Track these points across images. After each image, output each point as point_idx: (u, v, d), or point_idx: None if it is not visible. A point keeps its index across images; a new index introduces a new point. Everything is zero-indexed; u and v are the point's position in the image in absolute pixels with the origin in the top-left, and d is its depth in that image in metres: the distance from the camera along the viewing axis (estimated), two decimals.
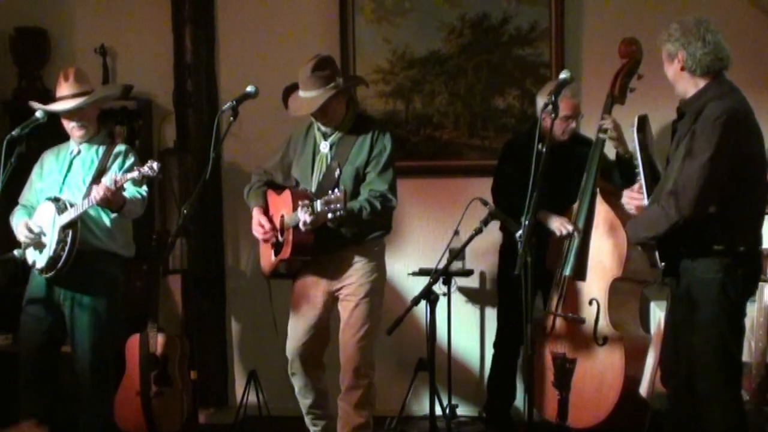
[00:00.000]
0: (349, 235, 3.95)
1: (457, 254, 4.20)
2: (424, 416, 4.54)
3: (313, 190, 4.00)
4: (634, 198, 3.53)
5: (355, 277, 4.01)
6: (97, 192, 3.81)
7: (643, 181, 3.47)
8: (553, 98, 3.34)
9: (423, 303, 3.79)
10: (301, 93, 3.98)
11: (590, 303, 4.22)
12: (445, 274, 4.49)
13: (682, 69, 3.38)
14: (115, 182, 3.83)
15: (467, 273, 4.92)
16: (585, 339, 4.21)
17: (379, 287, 4.08)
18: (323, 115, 3.98)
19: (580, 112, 4.49)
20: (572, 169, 4.46)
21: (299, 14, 5.21)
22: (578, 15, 5.03)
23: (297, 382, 4.17)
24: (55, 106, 4.03)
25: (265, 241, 4.09)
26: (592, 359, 4.19)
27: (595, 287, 4.22)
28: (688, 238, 3.30)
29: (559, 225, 4.29)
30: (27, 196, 4.21)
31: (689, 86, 3.40)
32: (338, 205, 3.61)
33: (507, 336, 4.64)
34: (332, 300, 4.10)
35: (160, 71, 5.22)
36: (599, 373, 4.15)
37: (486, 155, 5.04)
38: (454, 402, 4.97)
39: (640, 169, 3.49)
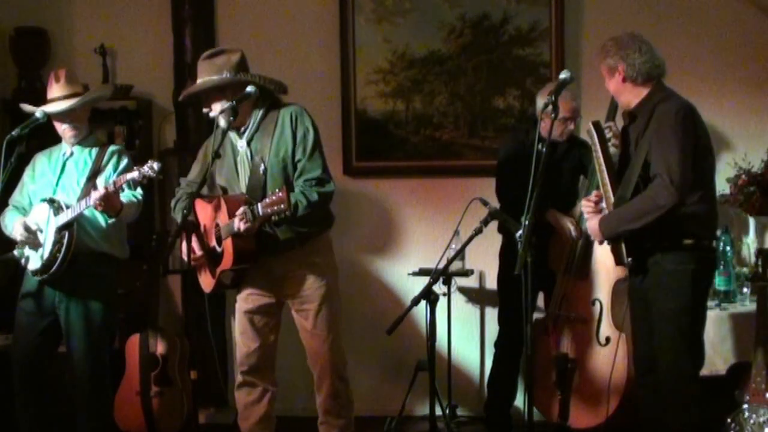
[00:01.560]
0: (289, 236, 3.77)
1: (457, 254, 4.20)
2: (424, 416, 4.54)
3: (245, 192, 3.81)
4: (589, 205, 3.66)
5: (307, 284, 3.85)
6: (96, 194, 3.77)
7: (609, 184, 3.56)
8: (553, 98, 3.35)
9: (423, 303, 3.80)
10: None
11: (593, 303, 4.22)
12: (445, 274, 4.49)
13: (624, 80, 3.58)
14: (115, 183, 3.79)
15: (467, 273, 4.91)
16: (587, 339, 4.22)
17: (334, 287, 3.93)
18: (207, 104, 3.80)
19: (579, 114, 4.48)
20: (568, 171, 4.47)
21: (299, 14, 5.21)
22: (578, 15, 5.03)
23: (246, 398, 4.00)
24: (46, 108, 3.99)
25: (195, 266, 3.91)
26: (594, 359, 4.19)
27: (598, 287, 4.22)
28: (659, 233, 3.45)
29: (563, 224, 4.29)
30: (17, 197, 4.16)
31: (632, 95, 3.60)
32: (282, 206, 3.45)
33: (508, 335, 4.63)
34: (279, 305, 3.95)
35: (160, 71, 5.22)
36: (602, 374, 4.15)
37: (486, 155, 5.04)
38: (454, 402, 4.97)
39: (605, 173, 3.57)
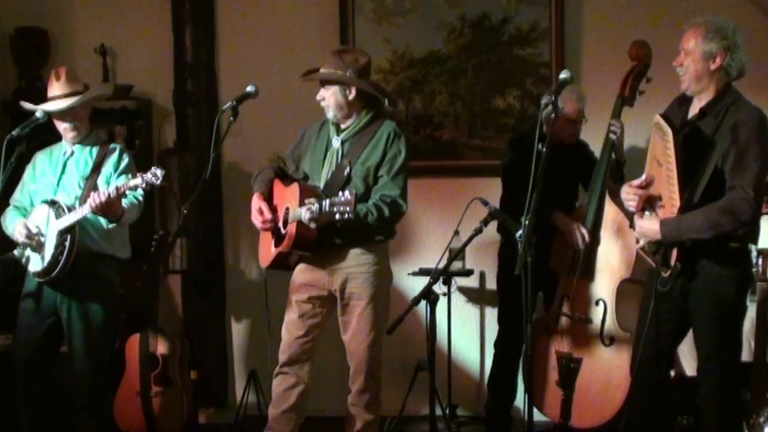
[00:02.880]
0: (352, 236, 3.91)
1: (457, 254, 4.20)
2: (424, 416, 4.54)
3: (322, 186, 3.94)
4: (636, 193, 3.51)
5: (360, 281, 3.94)
6: (95, 199, 3.74)
7: (677, 184, 3.40)
8: (553, 98, 3.34)
9: (423, 303, 3.80)
10: (322, 68, 3.96)
11: (597, 303, 4.22)
12: (445, 274, 4.49)
13: (717, 70, 3.44)
14: (117, 189, 3.75)
15: (467, 273, 4.92)
16: (591, 339, 4.21)
17: (385, 289, 4.02)
18: (325, 90, 3.91)
19: (584, 116, 4.47)
20: (573, 173, 4.48)
21: (299, 14, 5.21)
22: (578, 15, 5.03)
23: (282, 384, 4.07)
24: (47, 107, 3.97)
25: (264, 229, 4.02)
26: (598, 359, 4.18)
27: (602, 287, 4.21)
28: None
29: (571, 229, 4.28)
30: (18, 197, 4.14)
31: (712, 86, 3.47)
32: (347, 208, 3.55)
33: (508, 335, 4.63)
34: (331, 298, 4.03)
35: (160, 71, 5.22)
36: (605, 374, 4.14)
37: (486, 155, 5.05)
38: (454, 402, 4.97)
39: (675, 172, 3.39)
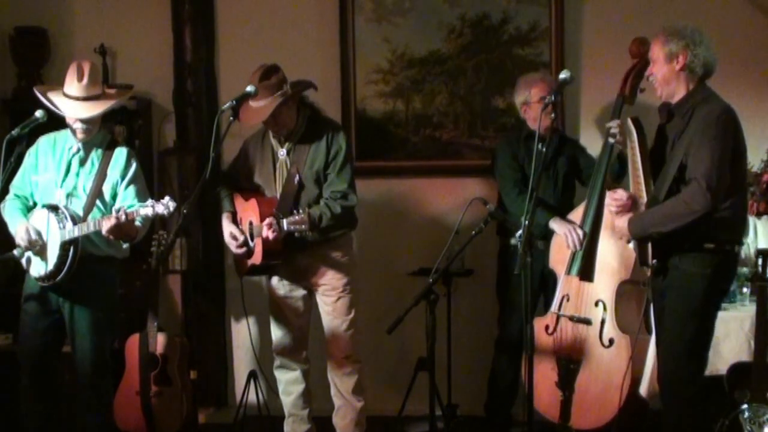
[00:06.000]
0: (315, 237, 4.17)
1: (457, 254, 4.20)
2: (424, 416, 4.54)
3: (278, 196, 4.23)
4: (619, 200, 3.62)
5: (332, 273, 4.29)
6: (106, 225, 3.73)
7: (644, 183, 3.51)
8: (553, 98, 3.36)
9: (423, 303, 3.79)
10: (252, 103, 4.08)
11: (596, 304, 4.20)
12: (445, 274, 4.49)
13: (681, 69, 3.52)
14: (127, 215, 3.73)
15: (467, 273, 4.91)
16: (590, 340, 4.20)
17: (355, 277, 4.38)
18: (275, 122, 4.14)
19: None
20: (561, 168, 4.49)
21: (299, 14, 5.22)
22: (578, 15, 5.03)
23: (284, 376, 4.47)
24: (72, 111, 3.89)
25: (238, 254, 4.30)
26: (597, 361, 4.17)
27: (601, 289, 4.20)
28: (682, 235, 3.44)
29: (566, 231, 4.28)
30: (18, 184, 4.08)
31: (681, 87, 3.55)
32: (303, 227, 3.93)
33: (508, 335, 4.63)
34: (309, 295, 4.40)
35: (160, 71, 5.22)
36: (605, 375, 4.13)
37: (486, 155, 5.04)
38: (454, 402, 4.97)
39: (641, 170, 3.52)
